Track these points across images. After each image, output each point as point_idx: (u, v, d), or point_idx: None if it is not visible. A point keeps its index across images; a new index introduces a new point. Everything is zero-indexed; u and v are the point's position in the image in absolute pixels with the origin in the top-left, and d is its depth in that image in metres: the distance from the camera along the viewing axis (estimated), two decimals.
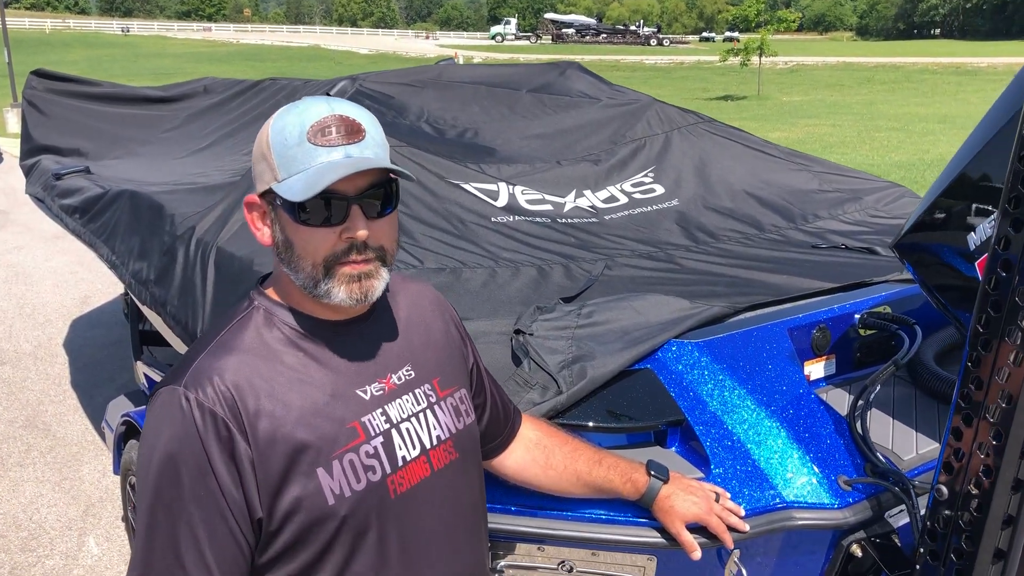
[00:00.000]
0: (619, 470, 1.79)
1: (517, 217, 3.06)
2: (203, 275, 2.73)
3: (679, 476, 1.83)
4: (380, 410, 1.41)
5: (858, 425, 2.02)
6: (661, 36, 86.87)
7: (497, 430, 1.75)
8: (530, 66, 4.74)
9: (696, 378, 2.05)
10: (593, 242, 3.00)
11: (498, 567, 1.93)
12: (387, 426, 1.41)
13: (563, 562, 1.91)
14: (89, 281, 8.54)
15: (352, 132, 1.32)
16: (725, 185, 3.56)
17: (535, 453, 1.78)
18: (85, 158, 5.09)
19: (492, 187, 3.17)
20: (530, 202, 3.19)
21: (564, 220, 3.14)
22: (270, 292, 1.44)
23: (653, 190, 3.47)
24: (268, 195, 1.36)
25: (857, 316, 2.38)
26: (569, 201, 3.28)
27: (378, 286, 1.36)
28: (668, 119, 3.87)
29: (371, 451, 1.37)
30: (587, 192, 3.37)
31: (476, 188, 3.13)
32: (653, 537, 1.81)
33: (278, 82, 5.15)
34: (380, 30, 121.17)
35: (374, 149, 1.34)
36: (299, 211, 1.31)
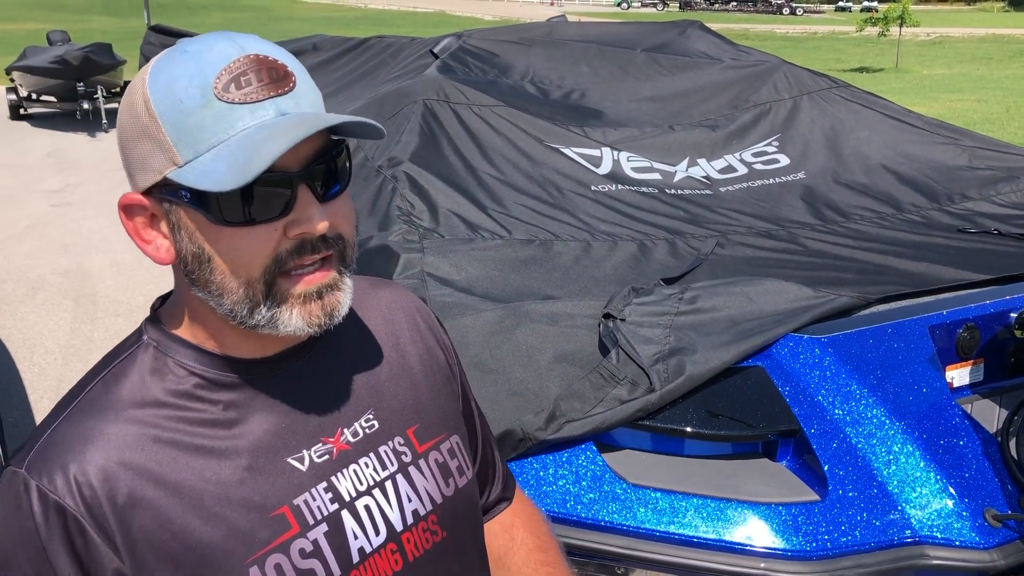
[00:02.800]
0: None
1: (620, 186, 2.78)
2: None
3: None
4: (324, 484, 1.00)
5: (1012, 446, 1.68)
6: (794, 4, 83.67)
7: (483, 484, 1.29)
8: (647, 24, 4.42)
9: (816, 381, 1.75)
10: (705, 216, 2.70)
11: None
12: (334, 507, 1.00)
13: None
14: None
15: (278, 79, 0.90)
16: (860, 158, 3.18)
17: (498, 540, 1.30)
18: None
19: (595, 152, 2.90)
20: (636, 170, 2.90)
21: (673, 191, 2.84)
22: (168, 323, 1.01)
23: (776, 160, 3.13)
24: (161, 189, 0.92)
25: (1014, 314, 2.02)
26: (680, 170, 2.98)
27: (344, 300, 0.96)
28: (798, 83, 3.49)
29: (308, 547, 0.97)
30: (701, 161, 3.06)
31: (577, 153, 2.86)
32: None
33: (385, 39, 4.97)
34: None
35: (310, 100, 0.94)
36: (220, 207, 0.88)
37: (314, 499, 0.98)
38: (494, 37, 3.96)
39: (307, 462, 0.99)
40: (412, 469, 1.07)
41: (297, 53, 5.68)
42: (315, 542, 0.97)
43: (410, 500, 1.05)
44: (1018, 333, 2.04)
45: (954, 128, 3.47)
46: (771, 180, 3.00)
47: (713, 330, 1.85)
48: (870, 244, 2.53)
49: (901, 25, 29.31)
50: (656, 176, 2.90)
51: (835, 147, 3.21)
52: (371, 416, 1.06)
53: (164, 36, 5.90)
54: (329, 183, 0.94)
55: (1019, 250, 2.48)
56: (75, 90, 15.09)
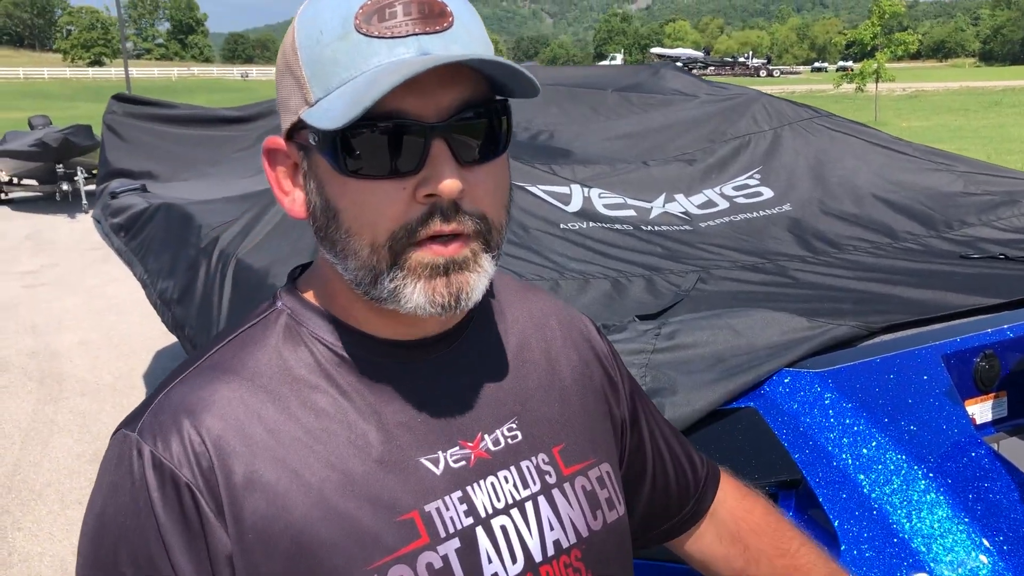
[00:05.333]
0: None
1: (592, 224, 2.56)
2: (220, 292, 2.33)
3: None
4: (459, 493, 0.87)
5: None
6: (771, 67, 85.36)
7: (668, 510, 1.14)
8: (620, 67, 4.26)
9: (818, 421, 1.49)
10: (684, 252, 2.48)
11: None
12: (468, 521, 0.87)
13: None
14: None
15: (430, 15, 0.78)
16: (848, 188, 2.97)
17: (730, 550, 1.16)
18: (156, 180, 4.86)
19: (564, 190, 2.69)
20: (609, 207, 2.69)
21: (649, 227, 2.62)
22: (305, 291, 0.92)
23: (759, 194, 2.92)
24: (299, 133, 0.83)
25: None
26: (657, 206, 2.76)
27: (477, 283, 0.82)
28: (778, 113, 3.31)
29: (438, 563, 0.84)
30: (679, 196, 2.85)
31: (544, 191, 2.65)
32: None
33: None
34: None
35: (467, 42, 0.80)
36: (342, 150, 0.78)
37: (447, 508, 0.86)
38: None
39: (442, 465, 0.87)
40: (556, 493, 0.93)
41: (261, 115, 5.52)
42: (445, 558, 0.84)
43: (552, 528, 0.92)
44: None
45: (946, 154, 3.28)
46: (755, 213, 2.79)
47: (696, 368, 1.61)
48: (867, 274, 2.30)
49: (877, 81, 29.68)
50: (630, 213, 2.69)
51: (821, 177, 3.01)
52: (515, 425, 0.93)
53: (127, 104, 5.74)
54: (475, 145, 0.81)
55: None
56: (55, 172, 15.01)
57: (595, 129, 3.33)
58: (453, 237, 0.81)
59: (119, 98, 5.86)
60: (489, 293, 0.99)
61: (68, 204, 15.18)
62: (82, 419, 5.75)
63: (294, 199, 0.87)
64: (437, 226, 0.79)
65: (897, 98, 40.58)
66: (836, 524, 1.38)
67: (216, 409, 0.82)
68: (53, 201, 15.70)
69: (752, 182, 2.98)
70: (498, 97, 0.83)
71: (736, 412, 1.54)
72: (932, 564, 1.34)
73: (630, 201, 2.75)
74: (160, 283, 2.88)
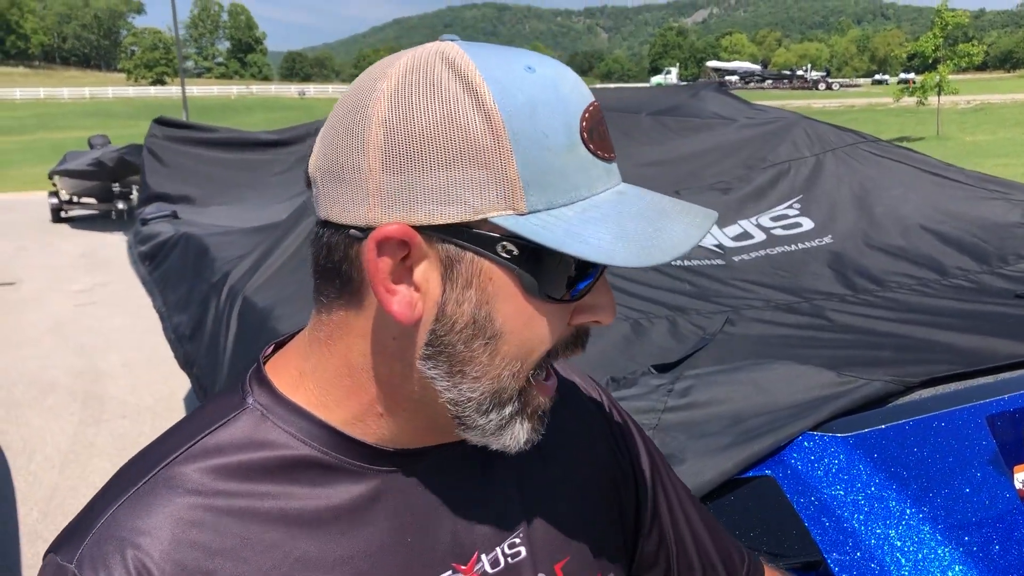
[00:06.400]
0: None
1: None
2: (226, 331, 2.25)
3: None
4: None
5: None
6: (830, 80, 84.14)
7: None
8: (658, 88, 4.12)
9: (841, 493, 1.35)
10: (715, 290, 2.33)
11: None
12: None
13: None
14: None
15: (607, 139, 0.73)
16: (895, 218, 2.79)
17: None
18: (192, 205, 4.85)
19: None
20: None
21: (678, 263, 2.48)
22: (280, 381, 0.79)
23: (799, 224, 2.76)
24: (461, 234, 0.69)
25: None
26: None
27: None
28: (820, 139, 3.14)
29: None
30: (713, 228, 2.70)
31: None
32: None
33: None
34: None
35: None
36: (553, 277, 0.70)
37: None
38: None
39: None
40: None
41: (300, 138, 5.49)
42: None
43: None
44: None
45: (1003, 181, 3.08)
46: (793, 246, 2.63)
47: (710, 430, 1.47)
48: (910, 315, 2.14)
49: (939, 93, 28.96)
50: None
51: (865, 207, 2.84)
52: (518, 540, 0.83)
53: (168, 128, 5.76)
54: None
55: None
56: (111, 191, 15.33)
57: (627, 155, 3.19)
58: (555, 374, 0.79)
59: (160, 121, 5.88)
60: None
61: (123, 222, 15.49)
62: (121, 442, 5.76)
63: (403, 300, 0.70)
64: (578, 351, 0.77)
65: (962, 111, 39.58)
66: None
67: (168, 539, 0.70)
68: (110, 219, 16.04)
69: (791, 212, 2.82)
70: None
71: (751, 481, 1.39)
72: None
73: None
74: (176, 317, 2.82)
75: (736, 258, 2.56)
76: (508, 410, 0.74)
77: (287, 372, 0.79)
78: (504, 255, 0.69)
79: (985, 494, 1.38)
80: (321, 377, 0.77)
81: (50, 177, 16.27)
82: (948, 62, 29.36)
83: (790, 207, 2.84)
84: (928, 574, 1.26)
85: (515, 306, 0.71)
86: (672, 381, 1.60)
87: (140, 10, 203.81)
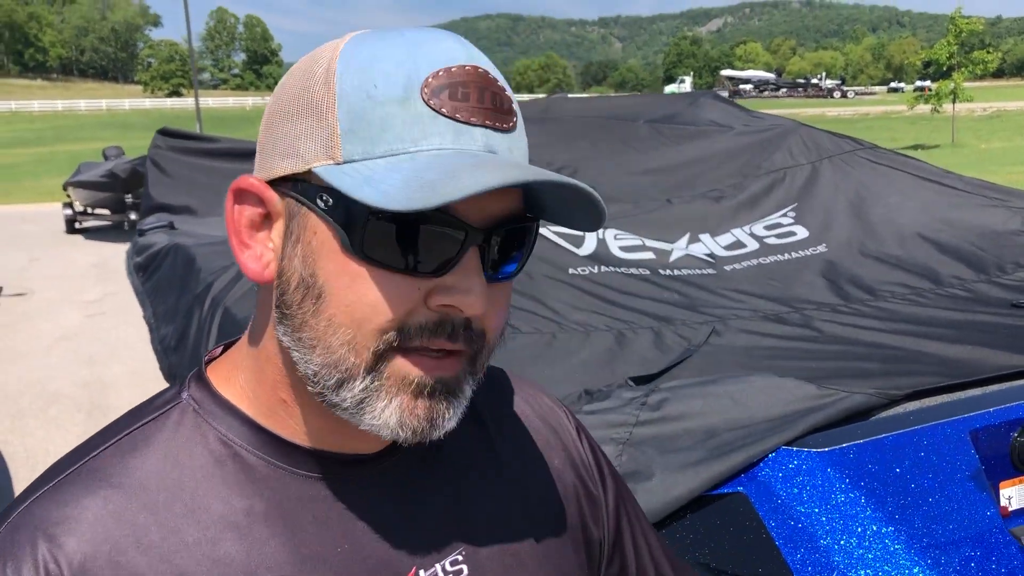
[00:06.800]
0: None
1: (604, 268, 2.39)
2: (207, 343, 2.22)
3: None
4: None
5: None
6: (845, 88, 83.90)
7: None
8: (657, 96, 4.08)
9: (816, 511, 1.30)
10: (704, 300, 2.29)
11: None
12: None
13: None
14: None
15: (501, 110, 0.69)
16: (891, 227, 2.74)
17: None
18: (193, 215, 4.85)
19: (576, 232, 2.52)
20: (625, 249, 2.52)
21: (668, 271, 2.44)
22: (220, 381, 0.78)
23: (793, 233, 2.71)
24: (296, 185, 0.69)
25: None
26: (679, 248, 2.58)
27: (455, 414, 0.71)
28: (816, 146, 3.09)
29: None
30: (704, 236, 2.66)
31: (555, 232, 2.49)
32: None
33: None
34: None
35: (523, 152, 0.72)
36: (367, 232, 0.66)
37: None
38: None
39: None
40: None
41: None
42: None
43: None
44: None
45: (1003, 188, 3.02)
46: (786, 255, 2.59)
47: (682, 445, 1.43)
48: (901, 326, 2.09)
49: (954, 101, 28.79)
50: (648, 255, 2.51)
51: (862, 215, 2.79)
52: (460, 559, 0.79)
53: (172, 139, 5.76)
54: (503, 260, 0.72)
55: None
56: (123, 202, 15.41)
57: (622, 163, 3.16)
58: (449, 357, 0.70)
59: (164, 132, 5.89)
60: None
61: (136, 233, 15.56)
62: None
63: (258, 256, 0.72)
64: (441, 343, 0.68)
65: (977, 118, 39.34)
66: None
67: (83, 530, 0.68)
68: (122, 230, 16.11)
69: (786, 220, 2.78)
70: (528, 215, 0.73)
71: (723, 499, 1.35)
72: None
73: (649, 243, 2.57)
74: (163, 328, 2.80)
75: (728, 267, 2.51)
76: (359, 385, 0.68)
77: (224, 367, 0.79)
78: (322, 206, 0.67)
79: (966, 512, 1.33)
80: (247, 367, 0.76)
81: (64, 188, 16.38)
82: (963, 69, 29.19)
83: (784, 215, 2.80)
84: None
85: (335, 264, 0.67)
86: (646, 394, 1.55)
87: (157, 22, 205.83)
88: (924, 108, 30.76)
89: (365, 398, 0.68)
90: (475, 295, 0.67)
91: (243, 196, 0.72)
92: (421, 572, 0.76)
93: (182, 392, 0.77)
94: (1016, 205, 2.86)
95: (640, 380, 1.71)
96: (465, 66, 0.68)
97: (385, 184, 0.63)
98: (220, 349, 0.82)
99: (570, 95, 4.03)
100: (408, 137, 0.66)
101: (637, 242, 2.56)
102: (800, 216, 2.79)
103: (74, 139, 46.94)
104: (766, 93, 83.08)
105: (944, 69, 29.69)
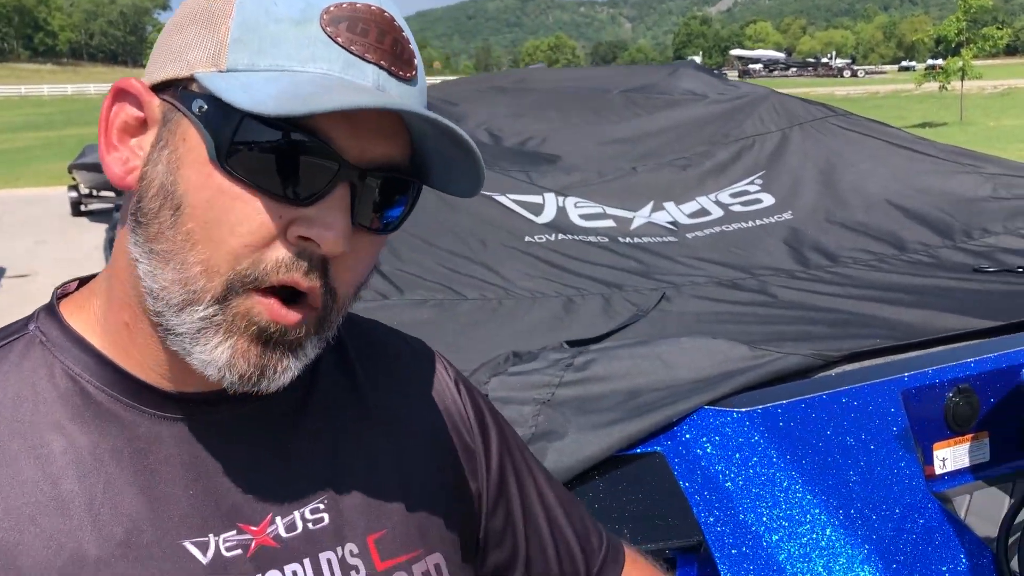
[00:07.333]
0: None
1: (562, 236, 2.35)
2: None
3: None
4: None
5: (1014, 560, 1.18)
6: (855, 67, 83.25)
7: None
8: (635, 66, 4.02)
9: (733, 470, 1.27)
10: (662, 267, 2.25)
11: None
12: None
13: None
14: None
15: (400, 58, 0.68)
16: (860, 194, 2.70)
17: None
18: None
19: (536, 199, 2.49)
20: (585, 217, 2.48)
21: (628, 240, 2.40)
22: (72, 314, 0.74)
23: (759, 200, 2.67)
24: (176, 90, 0.67)
25: None
26: (641, 216, 2.54)
27: (290, 370, 0.69)
28: (787, 113, 3.04)
29: None
30: (668, 205, 2.62)
31: (514, 200, 2.45)
32: None
33: None
34: None
35: (421, 100, 0.71)
36: (233, 141, 0.64)
37: None
38: (459, 87, 3.62)
39: (211, 552, 0.70)
40: None
41: None
42: None
43: None
44: None
45: (977, 155, 2.96)
46: (750, 223, 2.54)
47: (604, 405, 1.40)
48: (858, 291, 2.05)
49: (963, 78, 28.48)
50: (609, 223, 2.47)
51: (830, 182, 2.74)
52: (322, 506, 0.76)
53: None
54: (376, 211, 0.69)
55: None
56: None
57: (592, 133, 3.11)
58: (296, 302, 0.67)
59: None
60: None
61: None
62: None
63: (124, 160, 0.69)
64: (295, 277, 0.66)
65: (987, 96, 38.93)
66: None
67: None
68: None
69: (752, 188, 2.73)
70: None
71: (640, 458, 1.32)
72: None
73: (610, 211, 2.53)
74: None
75: (690, 235, 2.47)
76: (201, 312, 0.65)
77: (82, 295, 0.77)
78: (196, 112, 0.65)
79: (890, 474, 1.30)
80: (101, 290, 0.74)
81: (70, 171, 16.40)
82: (972, 46, 28.87)
83: (751, 183, 2.75)
84: (816, 558, 1.18)
85: (199, 175, 0.65)
86: (573, 356, 1.52)
87: (165, 6, 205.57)
88: (933, 86, 30.42)
89: (202, 328, 0.65)
90: (337, 233, 0.65)
91: (122, 96, 0.70)
92: (278, 519, 0.74)
93: (29, 324, 0.74)
94: (989, 171, 2.81)
95: (576, 344, 1.68)
96: (372, 6, 0.67)
97: (260, 93, 0.62)
98: (76, 283, 0.79)
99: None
100: (296, 57, 0.65)
101: (598, 210, 2.52)
102: (767, 183, 2.75)
103: (84, 123, 46.99)
104: (776, 73, 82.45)
105: (953, 46, 29.37)
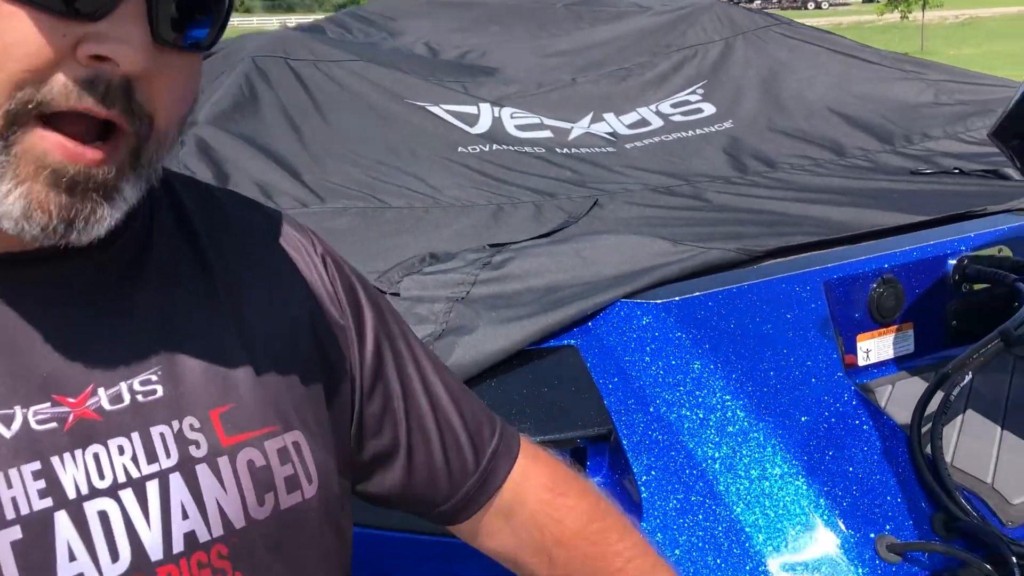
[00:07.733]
0: None
1: (497, 146, 2.28)
2: None
3: None
4: (36, 465, 0.64)
5: (928, 446, 1.16)
6: None
7: (435, 492, 0.90)
8: None
9: (646, 361, 1.24)
10: (598, 177, 2.20)
11: None
12: (44, 503, 0.63)
13: None
14: None
15: None
16: (801, 102, 2.65)
17: (531, 559, 0.92)
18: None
19: (471, 110, 2.41)
20: (521, 128, 2.41)
21: (565, 150, 2.34)
22: None
23: (700, 110, 2.61)
24: None
25: (953, 261, 1.50)
26: (579, 127, 2.48)
27: (106, 218, 0.63)
28: (731, 22, 2.97)
29: None
30: (608, 116, 2.56)
31: (447, 111, 2.38)
32: None
33: None
34: None
35: None
36: None
37: (11, 486, 0.62)
38: (401, 2, 3.50)
39: (17, 425, 0.63)
40: (202, 469, 0.69)
41: None
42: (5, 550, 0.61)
43: (186, 516, 0.68)
44: (960, 285, 1.52)
45: (920, 61, 2.93)
46: (690, 132, 2.49)
47: (519, 302, 1.35)
48: (793, 193, 2.02)
49: (924, 8, 28.43)
50: (546, 134, 2.41)
51: (772, 91, 2.69)
52: (154, 379, 0.70)
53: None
54: (183, 22, 0.62)
55: (979, 188, 1.95)
56: None
57: (533, 47, 3.02)
58: (99, 135, 0.60)
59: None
60: (171, 191, 0.77)
61: None
62: None
63: None
64: (89, 104, 0.58)
65: (949, 26, 38.95)
66: (643, 492, 1.13)
67: None
68: None
69: (694, 98, 2.67)
70: None
71: (552, 351, 1.28)
72: (760, 541, 1.09)
73: (547, 121, 2.46)
74: None
75: (628, 145, 2.42)
76: None
77: None
78: None
79: (808, 363, 1.28)
80: None
81: None
82: None
83: (692, 92, 2.69)
84: (726, 445, 1.16)
85: None
86: (491, 255, 1.47)
87: None
88: (895, 17, 30.36)
89: None
90: (133, 46, 0.58)
91: None
92: (100, 390, 0.67)
93: None
94: (932, 78, 2.77)
95: (496, 246, 1.63)
96: None
97: None
98: None
99: None
100: None
101: (535, 120, 2.46)
102: (708, 93, 2.69)
103: None
104: (740, 3, 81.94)
105: None
